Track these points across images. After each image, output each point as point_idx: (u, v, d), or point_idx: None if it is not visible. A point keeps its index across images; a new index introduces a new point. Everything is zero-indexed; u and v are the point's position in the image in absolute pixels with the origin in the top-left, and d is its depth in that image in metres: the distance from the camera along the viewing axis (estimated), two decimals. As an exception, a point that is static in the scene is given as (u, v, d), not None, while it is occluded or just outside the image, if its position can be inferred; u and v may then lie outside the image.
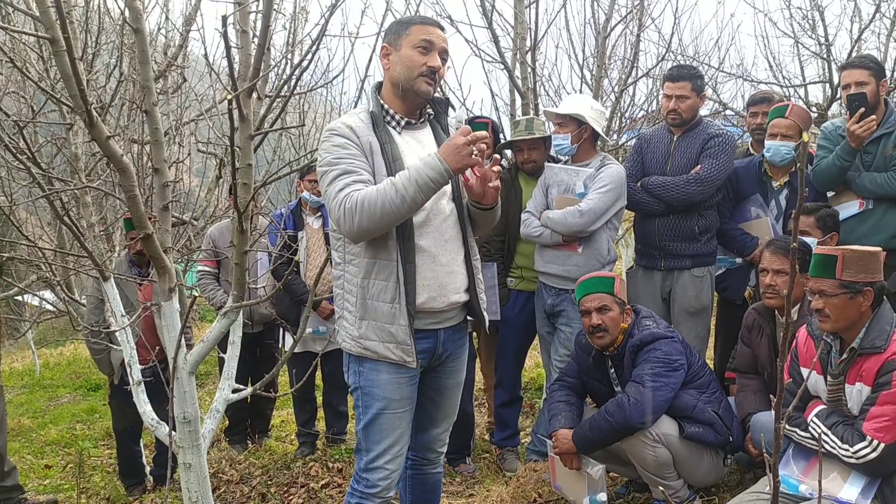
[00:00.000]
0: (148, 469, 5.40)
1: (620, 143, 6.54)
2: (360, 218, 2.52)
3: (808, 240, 3.77)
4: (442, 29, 2.77)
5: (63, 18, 2.24)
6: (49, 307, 8.78)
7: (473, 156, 2.52)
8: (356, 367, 2.78)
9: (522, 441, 4.91)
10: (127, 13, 2.70)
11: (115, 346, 4.40)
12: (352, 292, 2.72)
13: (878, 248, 3.09)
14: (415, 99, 2.77)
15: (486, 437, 5.09)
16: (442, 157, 2.53)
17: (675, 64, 6.06)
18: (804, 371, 3.19)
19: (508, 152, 5.19)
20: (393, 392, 2.73)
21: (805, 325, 3.29)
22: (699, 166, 4.20)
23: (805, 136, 1.43)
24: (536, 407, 5.69)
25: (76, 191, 3.59)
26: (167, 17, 4.43)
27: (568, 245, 4.21)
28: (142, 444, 5.39)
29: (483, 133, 2.62)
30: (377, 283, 2.67)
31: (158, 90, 3.18)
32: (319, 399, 5.54)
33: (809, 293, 3.12)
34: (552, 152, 4.51)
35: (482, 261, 4.41)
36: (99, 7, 4.03)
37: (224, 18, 2.06)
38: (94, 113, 2.45)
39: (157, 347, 3.20)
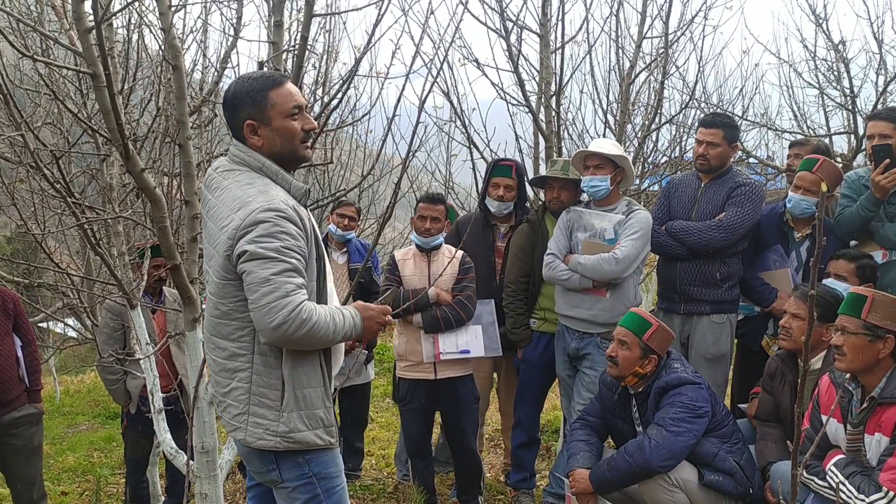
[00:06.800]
0: (162, 500, 5.39)
1: (643, 188, 6.57)
2: (301, 335, 2.30)
3: (843, 286, 3.70)
4: None
5: (105, 56, 2.33)
6: (72, 334, 8.86)
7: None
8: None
9: (538, 484, 4.86)
10: (166, 50, 2.80)
11: (135, 373, 4.42)
12: (271, 385, 2.42)
13: None
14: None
15: (502, 478, 5.04)
16: (364, 321, 2.51)
17: (710, 111, 6.06)
18: (823, 419, 3.16)
19: (530, 190, 5.23)
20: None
21: (828, 373, 3.27)
22: (723, 213, 4.21)
23: (823, 187, 1.45)
24: (553, 450, 5.63)
25: (108, 220, 3.68)
26: (204, 55, 4.55)
27: (596, 290, 4.21)
28: (157, 474, 5.38)
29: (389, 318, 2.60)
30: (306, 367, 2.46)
31: (192, 125, 3.27)
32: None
33: (833, 330, 3.12)
34: (584, 189, 4.38)
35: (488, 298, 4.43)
36: (138, 44, 4.16)
37: (261, 64, 2.13)
38: (130, 146, 2.53)
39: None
